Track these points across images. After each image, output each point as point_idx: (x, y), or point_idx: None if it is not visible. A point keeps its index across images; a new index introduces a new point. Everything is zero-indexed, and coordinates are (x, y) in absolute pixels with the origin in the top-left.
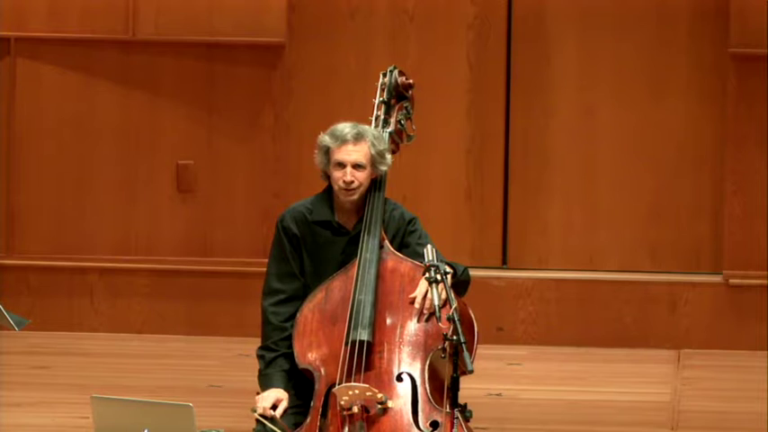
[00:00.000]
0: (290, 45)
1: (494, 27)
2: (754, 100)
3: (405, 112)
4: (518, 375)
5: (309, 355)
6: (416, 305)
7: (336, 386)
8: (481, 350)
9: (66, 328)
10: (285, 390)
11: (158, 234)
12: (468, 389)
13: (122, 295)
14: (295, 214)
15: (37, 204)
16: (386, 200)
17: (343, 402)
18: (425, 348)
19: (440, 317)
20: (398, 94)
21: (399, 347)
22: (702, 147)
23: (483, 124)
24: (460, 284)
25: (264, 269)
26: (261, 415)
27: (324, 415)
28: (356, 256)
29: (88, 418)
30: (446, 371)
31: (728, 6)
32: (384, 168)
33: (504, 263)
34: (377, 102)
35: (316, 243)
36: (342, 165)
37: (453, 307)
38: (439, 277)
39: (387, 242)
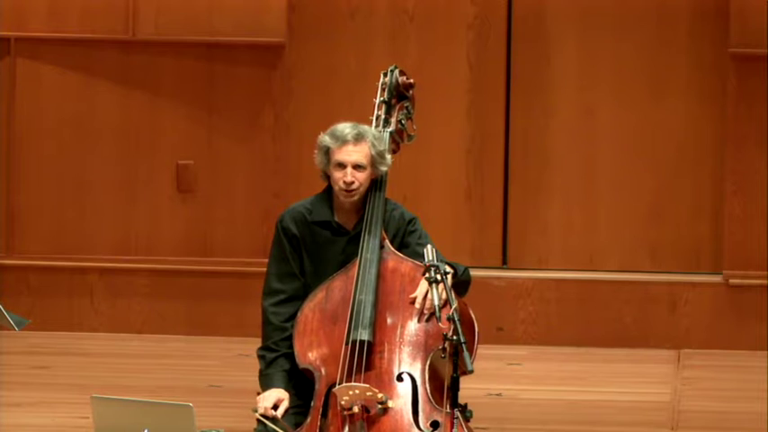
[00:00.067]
0: (290, 45)
1: (494, 27)
2: (754, 100)
3: (405, 111)
4: (518, 375)
5: (310, 355)
6: (417, 305)
7: (337, 386)
8: (481, 350)
9: (67, 328)
10: (286, 390)
11: (158, 234)
12: (468, 389)
13: (122, 295)
14: (294, 214)
15: (37, 204)
16: (386, 200)
17: (343, 402)
18: (426, 348)
19: (440, 317)
20: (399, 94)
21: (400, 347)
22: (702, 147)
23: (483, 124)
24: (461, 284)
25: (264, 269)
26: (262, 415)
27: (324, 415)
28: (356, 255)
29: (88, 418)
30: (446, 371)
31: (728, 6)
32: (384, 169)
33: (504, 263)
34: (377, 101)
35: (315, 243)
36: (342, 165)
37: (453, 307)
38: (439, 277)
39: (387, 242)
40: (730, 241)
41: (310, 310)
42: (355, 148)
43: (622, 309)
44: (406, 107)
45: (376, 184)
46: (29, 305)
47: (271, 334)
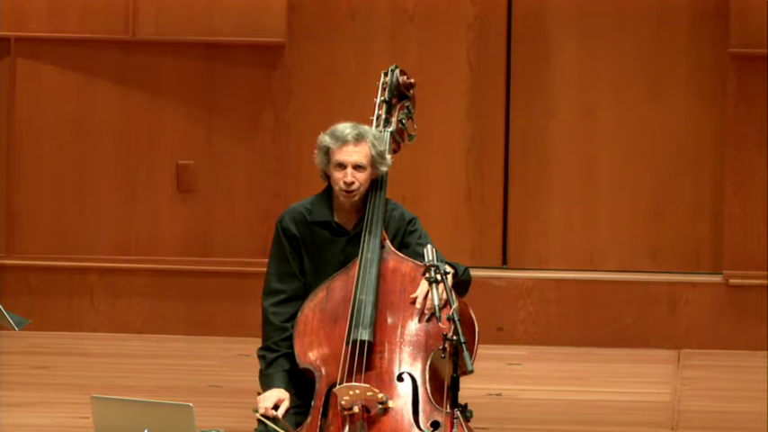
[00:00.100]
0: (290, 45)
1: (494, 27)
2: (754, 100)
3: (406, 111)
4: (518, 375)
5: (310, 355)
6: (417, 305)
7: (337, 386)
8: (481, 350)
9: (67, 328)
10: (286, 390)
11: (158, 234)
12: (468, 389)
13: (122, 295)
14: (294, 215)
15: (37, 204)
16: (387, 200)
17: (343, 402)
18: (426, 348)
19: (440, 317)
20: (400, 94)
21: (400, 347)
22: (702, 147)
23: (483, 124)
24: (461, 284)
25: (264, 269)
26: (263, 415)
27: (324, 415)
28: (356, 255)
29: (88, 418)
30: (446, 371)
31: (728, 6)
32: (384, 169)
33: (504, 263)
34: (378, 101)
35: (315, 243)
36: (342, 165)
37: (453, 307)
38: (439, 277)
39: (388, 242)
40: (730, 241)
41: (311, 309)
42: (355, 148)
43: (622, 309)
44: (407, 107)
45: (376, 184)
46: (29, 305)
47: (271, 334)
